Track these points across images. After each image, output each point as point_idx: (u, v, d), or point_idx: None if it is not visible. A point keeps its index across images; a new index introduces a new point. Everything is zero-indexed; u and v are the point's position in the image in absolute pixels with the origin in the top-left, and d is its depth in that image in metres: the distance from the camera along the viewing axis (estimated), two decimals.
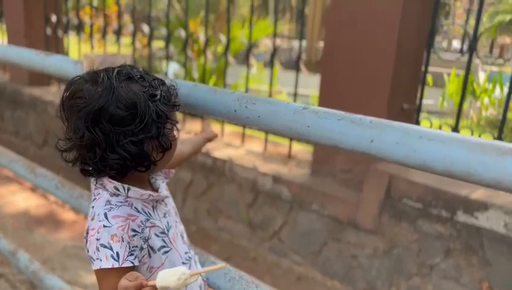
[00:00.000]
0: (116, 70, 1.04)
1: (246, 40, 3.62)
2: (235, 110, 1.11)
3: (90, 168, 1.07)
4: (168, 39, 3.76)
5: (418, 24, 2.61)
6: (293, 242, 3.01)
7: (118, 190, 1.06)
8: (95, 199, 1.09)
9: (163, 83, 1.10)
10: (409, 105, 2.73)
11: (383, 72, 2.55)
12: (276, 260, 3.06)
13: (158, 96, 1.04)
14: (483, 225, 2.25)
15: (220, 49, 6.82)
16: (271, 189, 3.01)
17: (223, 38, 3.53)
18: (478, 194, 2.32)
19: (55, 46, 4.69)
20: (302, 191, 2.88)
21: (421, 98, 2.64)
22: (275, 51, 3.32)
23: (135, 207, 1.07)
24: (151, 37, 4.02)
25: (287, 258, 3.03)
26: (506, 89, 4.55)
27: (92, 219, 1.03)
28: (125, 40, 6.29)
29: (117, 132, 0.98)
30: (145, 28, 4.02)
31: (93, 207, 1.06)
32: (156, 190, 1.18)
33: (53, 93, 4.78)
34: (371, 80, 2.60)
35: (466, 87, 2.50)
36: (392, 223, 2.58)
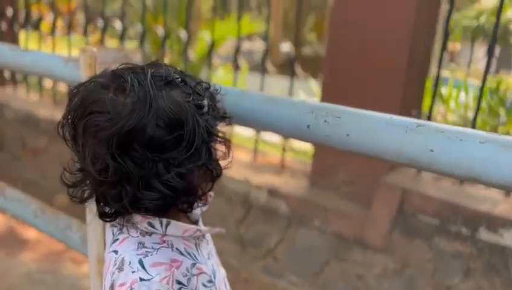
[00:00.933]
0: (150, 72, 0.73)
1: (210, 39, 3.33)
2: (308, 126, 0.84)
3: (113, 210, 0.77)
4: (142, 37, 3.40)
5: (430, 25, 2.42)
6: (291, 261, 2.74)
7: (153, 226, 0.77)
8: (116, 239, 0.79)
9: (207, 87, 0.81)
10: (416, 111, 2.54)
11: (395, 75, 2.34)
12: (271, 281, 2.79)
13: (206, 108, 0.76)
14: (508, 243, 2.08)
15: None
16: (265, 203, 2.73)
17: (184, 36, 3.21)
18: (501, 209, 2.14)
19: (12, 42, 4.21)
20: (302, 205, 2.62)
21: (432, 104, 2.45)
22: (238, 50, 3.07)
23: (177, 248, 0.79)
24: (104, 34, 3.65)
25: (283, 279, 2.77)
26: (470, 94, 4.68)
27: (119, 269, 0.73)
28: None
29: (156, 161, 0.69)
30: (100, 24, 3.64)
31: (116, 252, 0.76)
32: (195, 222, 0.90)
33: (7, 95, 4.30)
34: (381, 83, 2.39)
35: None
36: (404, 241, 2.37)
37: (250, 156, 3.17)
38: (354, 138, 0.79)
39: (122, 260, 0.73)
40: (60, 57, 1.25)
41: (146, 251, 0.74)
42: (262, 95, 0.91)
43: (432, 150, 0.72)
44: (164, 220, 0.77)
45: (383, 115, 0.79)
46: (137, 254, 0.73)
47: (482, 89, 2.29)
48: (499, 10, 2.15)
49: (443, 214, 2.23)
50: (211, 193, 0.99)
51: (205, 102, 0.75)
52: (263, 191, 2.72)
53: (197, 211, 0.92)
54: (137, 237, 0.77)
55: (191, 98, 0.72)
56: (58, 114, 3.88)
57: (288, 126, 0.86)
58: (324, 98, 2.58)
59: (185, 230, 0.79)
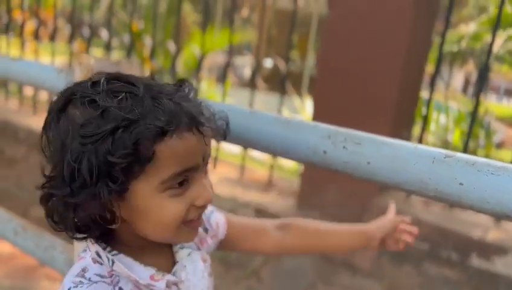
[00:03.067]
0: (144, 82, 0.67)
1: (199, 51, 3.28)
2: (325, 152, 0.78)
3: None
4: (130, 48, 3.33)
5: (423, 50, 2.43)
6: (276, 283, 2.67)
7: (100, 257, 0.70)
8: (78, 258, 0.74)
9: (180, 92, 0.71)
10: (407, 133, 2.53)
11: (387, 95, 2.32)
12: None
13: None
14: (500, 270, 2.06)
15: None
16: None
17: (172, 48, 3.16)
18: (493, 236, 2.13)
19: None
20: None
21: (424, 126, 2.44)
22: (228, 63, 3.03)
23: (120, 288, 0.70)
24: (89, 43, 3.57)
25: None
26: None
27: None
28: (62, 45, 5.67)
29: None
30: (85, 32, 3.55)
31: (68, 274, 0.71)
32: (170, 264, 0.78)
33: None
34: (372, 106, 2.37)
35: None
36: (392, 265, 2.33)
37: (237, 173, 3.11)
38: (375, 166, 0.74)
39: (63, 284, 0.69)
40: (51, 67, 1.18)
41: (80, 281, 0.68)
42: (274, 116, 0.86)
43: (461, 184, 0.67)
44: (110, 256, 0.70)
45: (407, 144, 0.74)
46: (72, 282, 0.68)
47: (474, 113, 2.29)
48: (492, 39, 2.17)
49: (433, 239, 2.20)
50: (220, 233, 0.91)
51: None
52: (250, 209, 2.66)
53: (185, 252, 0.80)
54: (87, 261, 0.70)
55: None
56: (38, 123, 3.75)
57: (302, 151, 0.81)
58: (316, 118, 2.54)
59: (130, 276, 0.69)
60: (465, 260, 2.13)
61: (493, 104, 11.74)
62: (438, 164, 0.70)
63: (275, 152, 0.85)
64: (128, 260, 0.71)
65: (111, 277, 0.69)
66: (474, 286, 2.14)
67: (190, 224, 0.71)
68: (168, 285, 0.72)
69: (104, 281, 0.68)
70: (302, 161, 0.82)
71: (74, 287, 0.67)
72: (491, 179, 0.66)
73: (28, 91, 4.26)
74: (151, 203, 0.66)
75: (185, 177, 0.67)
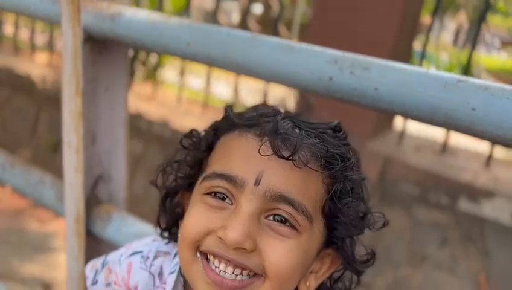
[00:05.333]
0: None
1: None
2: (331, 78, 0.74)
3: None
4: None
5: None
6: None
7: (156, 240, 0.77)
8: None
9: None
10: None
11: (382, 45, 2.26)
12: None
13: None
14: (487, 214, 2.09)
15: None
16: None
17: None
18: (483, 181, 2.15)
19: None
20: None
21: None
22: (217, 7, 2.94)
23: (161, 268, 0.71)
24: None
25: None
26: None
27: None
28: None
29: None
30: None
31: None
32: None
33: None
34: (367, 52, 2.31)
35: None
36: (382, 209, 2.35)
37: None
38: (383, 92, 0.71)
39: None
40: None
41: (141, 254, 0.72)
42: (276, 40, 0.81)
43: (473, 109, 0.64)
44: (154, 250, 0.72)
45: (418, 68, 0.71)
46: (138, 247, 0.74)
47: (468, 64, 2.26)
48: None
49: (424, 183, 2.22)
50: None
51: None
52: None
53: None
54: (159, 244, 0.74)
55: None
56: (19, 64, 3.63)
57: (307, 78, 0.76)
58: None
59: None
60: (454, 204, 2.16)
61: (483, 57, 11.71)
62: (449, 89, 0.66)
63: (277, 80, 0.80)
64: (161, 258, 0.70)
65: (165, 255, 0.71)
66: (461, 228, 2.18)
67: (207, 267, 0.58)
68: None
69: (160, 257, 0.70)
70: (306, 88, 0.77)
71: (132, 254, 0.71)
72: (506, 104, 0.63)
73: (9, 30, 4.09)
74: (191, 203, 0.63)
75: (226, 191, 0.57)
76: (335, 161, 0.58)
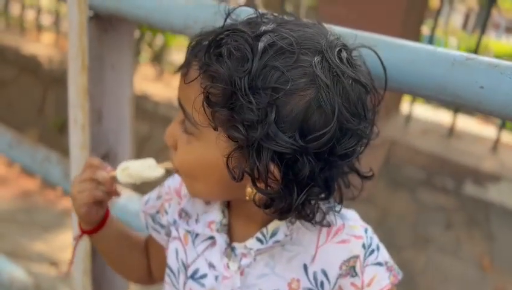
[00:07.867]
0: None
1: None
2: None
3: None
4: None
5: None
6: None
7: None
8: None
9: None
10: None
11: (390, 28, 2.24)
12: None
13: None
14: (492, 197, 2.09)
15: None
16: None
17: None
18: (489, 165, 2.14)
19: None
20: None
21: None
22: None
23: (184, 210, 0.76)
24: None
25: None
26: None
27: None
28: None
29: None
30: None
31: None
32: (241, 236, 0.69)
33: None
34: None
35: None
36: (387, 192, 2.35)
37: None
38: (391, 70, 0.70)
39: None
40: None
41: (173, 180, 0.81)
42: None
43: (482, 87, 0.64)
44: None
45: (426, 46, 0.70)
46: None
47: (477, 48, 2.23)
48: None
49: (429, 167, 2.22)
50: None
51: None
52: None
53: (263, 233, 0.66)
54: None
55: None
56: (26, 44, 3.62)
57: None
58: None
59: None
60: (459, 188, 2.16)
61: (492, 41, 11.55)
62: (458, 67, 0.66)
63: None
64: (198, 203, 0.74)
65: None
66: (466, 212, 2.18)
67: None
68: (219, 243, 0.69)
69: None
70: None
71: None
72: None
73: (15, 10, 4.08)
74: None
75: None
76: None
